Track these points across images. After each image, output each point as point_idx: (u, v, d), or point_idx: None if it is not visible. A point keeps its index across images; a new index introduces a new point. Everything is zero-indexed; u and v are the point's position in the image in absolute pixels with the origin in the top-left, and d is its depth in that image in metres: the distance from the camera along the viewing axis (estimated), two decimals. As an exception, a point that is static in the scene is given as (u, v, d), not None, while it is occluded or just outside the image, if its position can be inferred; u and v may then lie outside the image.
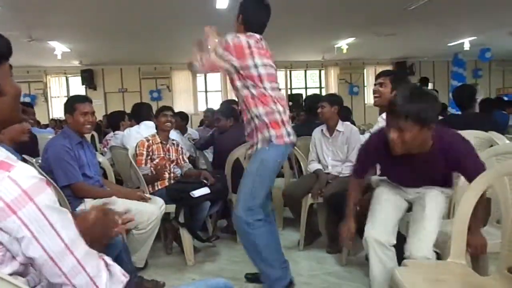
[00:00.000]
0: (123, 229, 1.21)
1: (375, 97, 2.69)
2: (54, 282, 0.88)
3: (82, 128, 2.60)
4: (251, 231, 2.25)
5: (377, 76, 2.68)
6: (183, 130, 5.04)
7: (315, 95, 5.15)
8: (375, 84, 2.69)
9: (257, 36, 2.30)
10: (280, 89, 2.38)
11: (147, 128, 3.59)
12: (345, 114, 3.88)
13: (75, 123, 2.58)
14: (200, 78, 11.11)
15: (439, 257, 1.85)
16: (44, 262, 0.84)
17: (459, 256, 1.65)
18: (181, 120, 5.07)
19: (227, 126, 3.78)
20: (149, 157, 3.23)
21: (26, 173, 0.82)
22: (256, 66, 2.21)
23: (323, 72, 11.85)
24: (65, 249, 0.85)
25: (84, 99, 2.70)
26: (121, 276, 0.97)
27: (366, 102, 11.72)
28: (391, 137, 1.72)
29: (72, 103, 2.61)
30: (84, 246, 0.90)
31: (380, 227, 1.94)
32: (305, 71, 11.98)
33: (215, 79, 11.34)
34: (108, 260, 0.97)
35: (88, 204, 2.47)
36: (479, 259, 1.83)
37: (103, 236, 1.15)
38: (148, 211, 2.63)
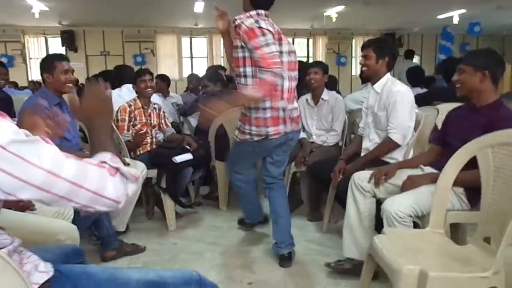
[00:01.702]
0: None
1: (361, 70, 2.65)
2: (57, 205, 0.85)
3: (63, 87, 2.48)
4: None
5: (362, 48, 2.63)
6: (165, 93, 4.91)
7: (300, 62, 5.01)
8: (361, 57, 2.64)
9: (263, 13, 2.25)
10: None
11: (129, 91, 3.48)
12: (332, 84, 3.82)
13: (56, 83, 2.45)
14: (185, 43, 10.82)
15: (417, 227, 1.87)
16: (34, 193, 0.80)
17: (438, 226, 1.67)
18: (162, 81, 4.93)
19: (214, 91, 3.69)
20: (131, 123, 3.15)
21: None
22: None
23: (311, 41, 11.67)
24: (50, 176, 0.81)
25: (62, 57, 2.57)
26: (133, 176, 0.95)
27: (353, 73, 11.66)
28: (453, 79, 2.03)
29: (51, 61, 2.48)
30: (73, 163, 0.85)
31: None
32: (293, 39, 11.77)
33: (201, 45, 11.07)
34: (115, 163, 0.93)
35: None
36: (458, 229, 1.86)
37: (101, 107, 1.08)
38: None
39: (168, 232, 2.96)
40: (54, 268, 0.95)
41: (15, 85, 7.43)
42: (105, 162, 0.92)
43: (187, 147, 3.10)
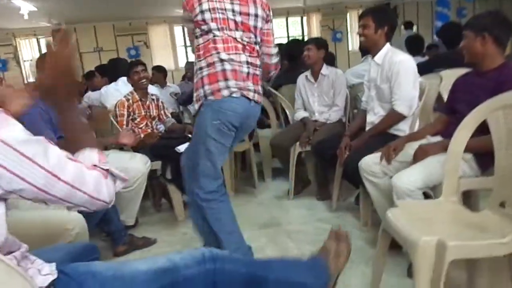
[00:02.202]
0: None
1: (360, 41, 2.57)
2: (53, 204, 0.88)
3: None
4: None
5: (359, 18, 2.56)
6: (162, 84, 4.86)
7: (296, 40, 4.95)
8: (359, 27, 2.56)
9: None
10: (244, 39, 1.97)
11: (125, 85, 3.43)
12: (329, 61, 3.75)
13: None
14: (178, 32, 10.67)
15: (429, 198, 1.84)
16: (35, 194, 0.82)
17: (451, 194, 1.64)
18: (158, 72, 4.87)
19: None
20: (130, 117, 3.11)
21: None
22: (202, 12, 1.89)
23: (305, 19, 11.49)
24: (51, 177, 0.82)
25: None
26: (121, 177, 0.98)
27: (350, 48, 11.50)
28: (460, 46, 1.98)
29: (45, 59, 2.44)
30: (73, 166, 0.87)
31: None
32: (287, 18, 11.59)
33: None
34: (105, 165, 0.96)
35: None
36: (471, 196, 1.82)
37: (67, 66, 1.00)
38: (134, 168, 2.58)
39: (177, 222, 2.95)
40: (57, 269, 0.93)
41: (11, 88, 7.36)
42: (95, 166, 0.94)
43: (189, 135, 3.06)
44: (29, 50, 10.22)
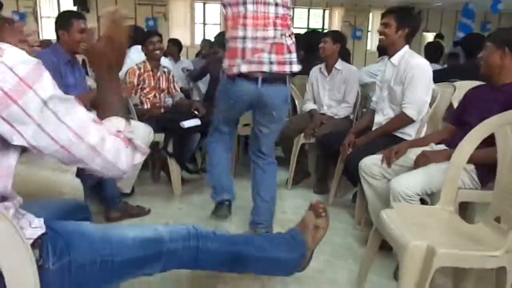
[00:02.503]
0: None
1: (380, 39, 2.53)
2: (71, 165, 0.88)
3: (77, 46, 2.41)
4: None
5: (382, 15, 2.52)
6: (175, 57, 4.83)
7: (315, 31, 4.90)
8: (380, 25, 2.52)
9: None
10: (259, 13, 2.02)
11: (137, 52, 3.41)
12: (344, 57, 3.71)
13: (71, 41, 2.38)
14: (199, 9, 10.59)
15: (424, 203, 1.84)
16: (56, 150, 0.82)
17: (448, 203, 1.63)
18: (173, 45, 4.84)
19: (223, 57, 3.61)
20: (139, 86, 3.11)
21: (20, 58, 0.76)
22: None
23: (327, 12, 11.35)
24: (76, 137, 0.83)
25: (80, 15, 2.52)
26: (142, 149, 0.98)
27: (368, 47, 11.38)
28: (479, 57, 2.02)
29: (68, 18, 2.40)
30: (96, 129, 0.87)
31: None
32: (309, 9, 11.46)
33: (214, 11, 10.83)
34: (129, 134, 0.96)
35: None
36: (467, 208, 1.82)
37: (122, 41, 1.04)
38: (136, 137, 2.57)
39: (173, 196, 2.97)
40: (46, 225, 0.94)
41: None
42: (120, 132, 0.94)
43: (196, 112, 3.06)
44: (49, 7, 10.18)
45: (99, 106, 1.04)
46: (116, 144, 0.90)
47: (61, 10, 9.97)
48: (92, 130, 0.85)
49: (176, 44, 4.92)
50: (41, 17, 10.12)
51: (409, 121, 2.36)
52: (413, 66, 2.31)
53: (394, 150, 2.07)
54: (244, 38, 1.98)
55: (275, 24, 2.02)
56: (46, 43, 7.95)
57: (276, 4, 2.03)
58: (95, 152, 0.86)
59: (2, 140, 0.78)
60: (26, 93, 0.75)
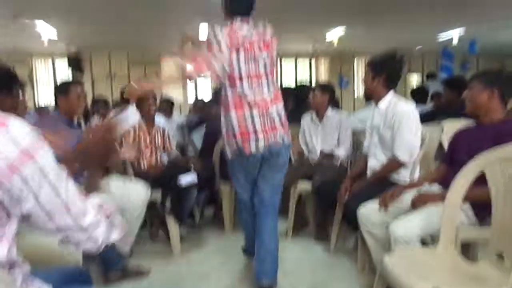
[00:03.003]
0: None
1: (364, 88, 2.70)
2: (48, 234, 0.89)
3: (75, 110, 2.59)
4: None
5: (365, 66, 2.67)
6: (168, 114, 4.94)
7: (303, 85, 5.11)
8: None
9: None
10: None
11: (133, 113, 3.49)
12: (334, 104, 3.84)
13: (69, 105, 2.55)
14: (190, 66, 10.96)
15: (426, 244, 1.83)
16: (39, 218, 0.84)
17: (449, 243, 1.64)
18: (166, 103, 4.97)
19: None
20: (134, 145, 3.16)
21: (23, 129, 0.80)
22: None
23: (313, 62, 11.80)
24: (63, 207, 0.86)
25: (78, 82, 2.71)
26: (120, 226, 1.00)
27: (356, 94, 11.72)
28: (463, 96, 2.05)
29: (67, 85, 2.62)
30: (80, 201, 0.90)
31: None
32: (296, 60, 11.91)
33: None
34: (110, 209, 0.99)
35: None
36: (469, 246, 1.82)
37: (105, 154, 1.14)
38: (134, 195, 2.59)
39: (172, 254, 2.92)
40: None
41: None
42: (101, 206, 0.98)
43: (192, 167, 3.09)
44: (44, 71, 10.47)
45: (87, 186, 1.10)
46: (96, 218, 0.93)
47: (58, 74, 10.27)
48: (77, 202, 0.89)
49: (168, 102, 5.05)
50: (36, 81, 10.39)
51: (401, 164, 2.40)
52: (400, 111, 2.39)
53: (390, 194, 2.10)
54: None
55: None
56: (42, 109, 8.12)
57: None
58: (75, 223, 0.88)
59: (3, 208, 0.81)
60: (26, 163, 0.79)
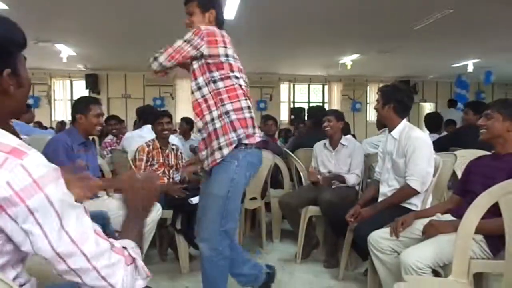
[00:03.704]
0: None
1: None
2: (65, 277, 0.84)
3: (93, 129, 2.62)
4: (216, 261, 2.01)
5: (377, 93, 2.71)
6: (187, 136, 5.02)
7: (320, 107, 5.20)
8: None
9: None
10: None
11: (149, 132, 3.57)
12: (346, 130, 3.87)
13: (88, 124, 2.59)
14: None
15: (437, 275, 1.81)
16: (51, 258, 0.81)
17: (461, 275, 1.61)
18: (186, 124, 5.06)
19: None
20: (148, 163, 3.21)
21: (39, 162, 0.80)
22: (227, 56, 1.95)
23: (326, 87, 11.90)
24: (73, 246, 0.82)
25: (97, 101, 2.71)
26: (144, 273, 0.94)
27: (368, 119, 11.74)
28: (479, 123, 2.03)
29: (87, 103, 2.63)
30: (94, 242, 0.85)
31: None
32: (309, 85, 12.02)
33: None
34: (134, 254, 0.92)
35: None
36: (482, 278, 1.78)
37: (149, 202, 1.11)
38: None
39: (181, 275, 2.91)
40: None
41: (39, 124, 7.69)
42: (126, 248, 0.92)
43: (203, 188, 3.11)
44: (62, 91, 10.77)
45: (122, 228, 1.06)
46: (112, 260, 0.87)
47: (76, 94, 10.53)
48: (91, 240, 0.84)
49: (189, 123, 5.13)
50: (54, 100, 10.66)
51: (413, 192, 2.39)
52: (414, 139, 2.39)
53: (401, 221, 2.08)
54: (249, 107, 2.02)
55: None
56: (60, 124, 8.28)
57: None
58: (89, 264, 0.84)
59: (8, 239, 0.80)
60: (35, 194, 0.77)
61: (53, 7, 5.34)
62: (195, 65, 1.99)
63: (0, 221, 0.77)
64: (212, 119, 1.96)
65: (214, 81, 1.95)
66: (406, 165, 2.40)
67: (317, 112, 4.12)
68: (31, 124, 5.11)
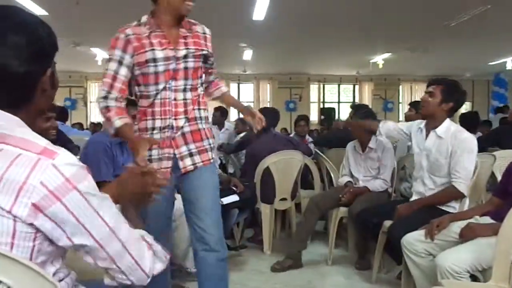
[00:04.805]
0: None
1: (422, 106, 2.52)
2: (100, 266, 0.90)
3: None
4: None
5: (428, 84, 2.53)
6: (221, 126, 5.11)
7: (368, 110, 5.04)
8: (425, 92, 2.52)
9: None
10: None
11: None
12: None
13: None
14: (233, 88, 11.23)
15: (475, 280, 1.74)
16: (92, 248, 0.86)
17: (502, 279, 1.55)
18: (221, 115, 5.16)
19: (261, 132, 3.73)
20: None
21: (69, 161, 0.83)
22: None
23: (357, 87, 11.73)
24: (111, 233, 0.87)
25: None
26: (163, 256, 1.00)
27: (400, 118, 11.47)
28: None
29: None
30: (127, 228, 0.92)
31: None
32: (339, 85, 11.89)
33: (248, 90, 11.46)
34: (150, 239, 1.00)
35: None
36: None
37: (142, 197, 1.14)
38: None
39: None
40: None
41: (80, 125, 8.04)
42: (142, 237, 0.99)
43: (234, 188, 3.13)
44: (97, 93, 11.12)
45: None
46: (140, 245, 0.94)
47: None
48: (123, 227, 0.91)
49: (223, 114, 5.26)
50: (90, 102, 11.04)
51: (459, 195, 2.31)
52: (463, 140, 2.30)
53: (436, 223, 2.02)
54: None
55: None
56: (94, 127, 8.61)
57: None
58: (124, 249, 0.90)
59: (45, 237, 0.83)
60: (69, 192, 0.81)
61: (90, 13, 5.53)
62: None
63: (37, 222, 0.80)
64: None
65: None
66: (453, 166, 2.32)
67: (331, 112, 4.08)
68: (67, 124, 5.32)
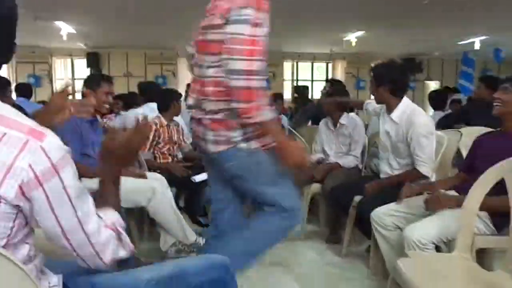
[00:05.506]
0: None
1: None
2: (60, 246, 0.90)
3: (101, 107, 2.59)
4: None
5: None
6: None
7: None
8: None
9: None
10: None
11: (150, 111, 3.55)
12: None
13: (97, 100, 2.54)
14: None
15: (439, 251, 1.81)
16: (55, 234, 0.86)
17: (465, 250, 1.61)
18: (281, 100, 5.21)
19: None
20: (154, 142, 3.19)
21: (56, 144, 0.82)
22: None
23: (330, 65, 11.75)
24: (77, 225, 0.87)
25: (110, 79, 2.68)
26: (127, 246, 1.01)
27: (372, 97, 11.64)
28: (495, 95, 1.93)
29: (99, 80, 2.59)
30: (95, 221, 0.91)
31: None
32: (312, 63, 11.88)
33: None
34: (120, 227, 1.00)
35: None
36: (485, 255, 1.79)
37: (130, 154, 1.15)
38: (151, 186, 2.55)
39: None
40: (63, 282, 0.97)
41: (44, 104, 7.71)
42: (113, 224, 0.99)
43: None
44: (63, 70, 10.69)
45: (98, 197, 1.07)
46: (107, 237, 0.94)
47: (77, 73, 10.44)
48: (93, 220, 0.91)
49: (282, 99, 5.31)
50: (55, 79, 10.60)
51: (422, 176, 2.37)
52: (418, 125, 2.32)
53: (408, 186, 2.12)
54: None
55: None
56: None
57: None
58: (87, 241, 0.90)
59: (24, 216, 0.83)
60: (52, 178, 0.81)
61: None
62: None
63: (20, 202, 0.80)
64: None
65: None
66: (413, 151, 2.36)
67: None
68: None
